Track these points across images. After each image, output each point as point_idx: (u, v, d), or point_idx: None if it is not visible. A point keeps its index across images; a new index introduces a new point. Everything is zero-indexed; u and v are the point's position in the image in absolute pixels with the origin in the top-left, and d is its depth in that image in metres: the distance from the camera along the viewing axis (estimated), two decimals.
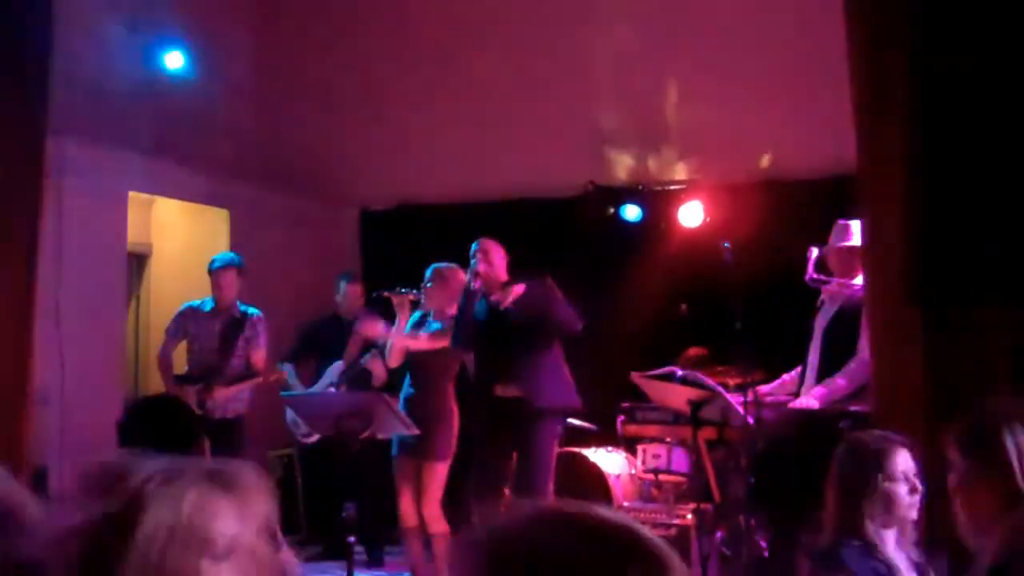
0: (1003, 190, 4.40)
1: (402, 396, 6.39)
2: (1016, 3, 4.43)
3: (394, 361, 6.53)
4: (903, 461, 3.30)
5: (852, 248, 5.54)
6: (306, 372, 7.78)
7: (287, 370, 7.58)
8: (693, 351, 7.53)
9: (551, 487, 6.12)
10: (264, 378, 7.06)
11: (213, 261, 7.16)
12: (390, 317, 6.63)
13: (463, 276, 6.34)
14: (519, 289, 6.07)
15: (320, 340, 7.75)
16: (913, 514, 3.33)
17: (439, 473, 6.26)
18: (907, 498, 3.29)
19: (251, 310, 7.14)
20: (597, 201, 8.46)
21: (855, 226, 5.62)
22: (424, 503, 6.27)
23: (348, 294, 7.81)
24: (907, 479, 3.29)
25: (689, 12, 7.26)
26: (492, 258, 6.26)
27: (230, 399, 6.95)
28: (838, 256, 5.60)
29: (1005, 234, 4.40)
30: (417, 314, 6.61)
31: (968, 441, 2.85)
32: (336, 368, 7.46)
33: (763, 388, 5.83)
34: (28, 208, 5.59)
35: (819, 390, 5.44)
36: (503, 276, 6.31)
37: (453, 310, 6.36)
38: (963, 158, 4.47)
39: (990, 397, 3.69)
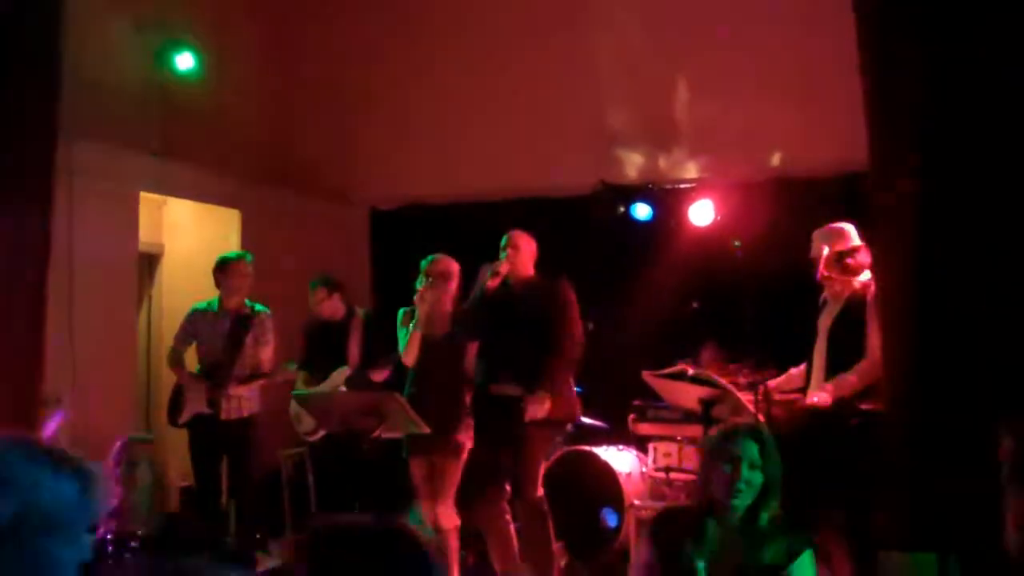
0: (1015, 187, 4.39)
1: (406, 393, 6.39)
2: None
3: (410, 359, 6.51)
4: None
5: (840, 251, 5.56)
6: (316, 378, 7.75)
7: (298, 373, 7.59)
8: (711, 346, 7.50)
9: (540, 487, 6.14)
10: (273, 377, 7.07)
11: (223, 260, 7.12)
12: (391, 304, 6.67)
13: (458, 271, 6.38)
14: (539, 410, 6.03)
15: (318, 347, 7.71)
16: None
17: (451, 470, 6.27)
18: None
19: (259, 307, 7.13)
20: (607, 200, 8.46)
21: (843, 227, 5.64)
22: (437, 500, 6.27)
23: (315, 299, 7.71)
24: None
25: (699, 11, 7.25)
26: (520, 255, 6.25)
27: (243, 398, 6.96)
28: (827, 261, 5.60)
29: (1015, 231, 4.39)
30: (402, 309, 6.58)
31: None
32: (342, 373, 7.43)
33: (771, 382, 5.84)
34: (39, 209, 5.61)
35: (829, 386, 5.44)
36: (530, 271, 6.33)
37: (449, 306, 6.37)
38: (974, 155, 4.47)
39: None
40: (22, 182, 5.55)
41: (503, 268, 6.21)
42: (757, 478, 3.55)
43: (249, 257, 7.19)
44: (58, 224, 5.96)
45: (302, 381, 7.63)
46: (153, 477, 4.66)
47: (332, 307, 7.61)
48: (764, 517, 3.59)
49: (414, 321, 6.40)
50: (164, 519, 4.64)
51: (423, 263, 6.49)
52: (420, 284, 6.43)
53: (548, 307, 6.18)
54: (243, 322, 7.02)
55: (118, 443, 4.71)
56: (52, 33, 5.61)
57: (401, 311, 6.55)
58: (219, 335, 7.00)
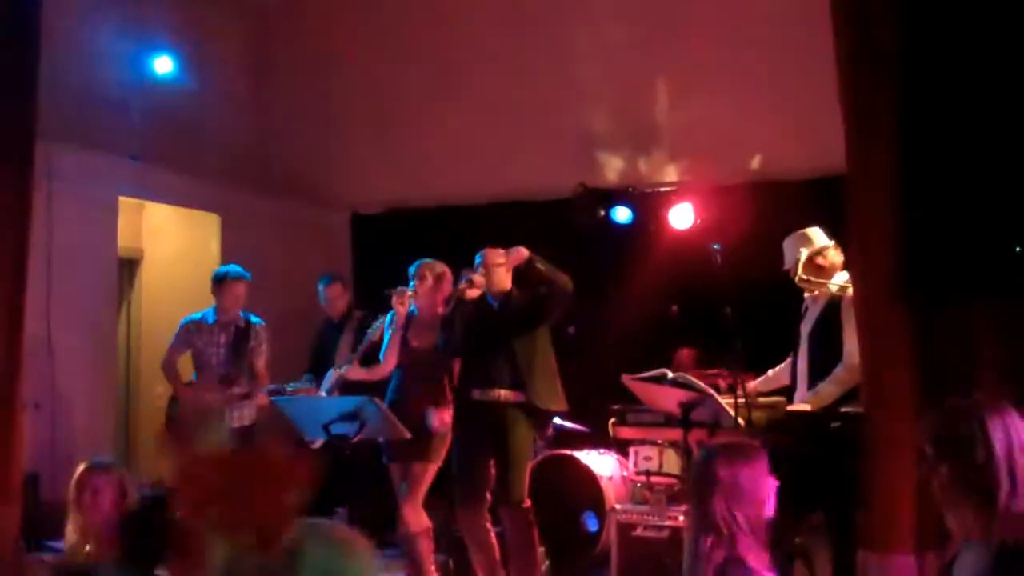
0: (987, 190, 4.42)
1: (388, 399, 6.38)
2: (1001, 6, 4.45)
3: (390, 364, 6.51)
4: None
5: (810, 255, 5.60)
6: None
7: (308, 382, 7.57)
8: (686, 352, 7.52)
9: (527, 492, 6.14)
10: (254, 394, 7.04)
11: (225, 273, 7.12)
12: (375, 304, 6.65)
13: (450, 274, 6.38)
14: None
15: (324, 348, 7.70)
16: None
17: (423, 474, 6.27)
18: None
19: (254, 318, 7.15)
20: (587, 203, 8.45)
21: (809, 232, 5.69)
22: (405, 502, 6.26)
23: (326, 296, 7.73)
24: None
25: (678, 14, 7.27)
26: (493, 275, 6.24)
27: (245, 406, 7.00)
28: (803, 268, 5.64)
29: (988, 232, 4.42)
30: (391, 314, 6.58)
31: (938, 434, 2.88)
32: (332, 376, 7.41)
33: (750, 384, 5.86)
34: (18, 214, 5.58)
35: (810, 396, 5.46)
36: (507, 284, 6.31)
37: (440, 309, 6.36)
38: (952, 156, 4.49)
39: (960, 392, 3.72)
40: (0, 186, 5.52)
41: (478, 280, 6.20)
42: None
43: (248, 276, 7.20)
44: (37, 229, 5.93)
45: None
46: (119, 501, 4.57)
47: (343, 304, 7.63)
48: None
49: (393, 327, 6.42)
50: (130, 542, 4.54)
51: (412, 268, 6.49)
52: (411, 287, 6.44)
53: (531, 301, 6.20)
54: (243, 335, 7.04)
55: (80, 468, 4.63)
56: (30, 37, 5.58)
57: (390, 315, 6.55)
58: (220, 347, 7.01)
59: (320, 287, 7.77)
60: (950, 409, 2.92)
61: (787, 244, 5.80)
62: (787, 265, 5.75)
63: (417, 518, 6.26)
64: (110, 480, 4.55)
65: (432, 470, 6.29)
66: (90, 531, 4.53)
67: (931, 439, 2.89)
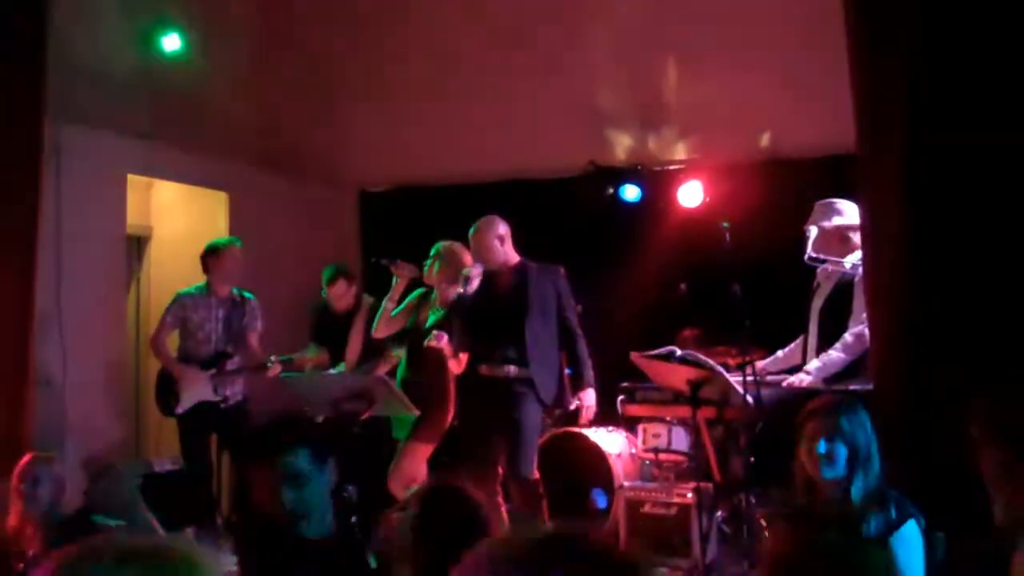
0: (999, 163, 4.41)
1: (399, 378, 6.40)
2: None
3: (381, 332, 6.55)
4: None
5: (840, 227, 5.58)
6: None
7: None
8: (688, 332, 7.51)
9: (536, 470, 6.17)
10: (268, 366, 7.01)
11: (215, 246, 7.10)
12: (385, 290, 6.66)
13: (468, 257, 6.36)
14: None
15: (320, 330, 7.66)
16: None
17: (416, 453, 6.29)
18: None
19: (246, 294, 7.13)
20: (596, 181, 8.46)
21: (843, 205, 5.65)
22: (392, 477, 6.27)
23: (330, 295, 7.62)
24: None
25: None
26: (486, 253, 6.25)
27: (237, 383, 7.01)
28: (826, 236, 5.62)
29: (1001, 211, 4.41)
30: (417, 291, 6.61)
31: (994, 423, 2.89)
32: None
33: (759, 364, 5.85)
34: (27, 192, 5.60)
35: (813, 364, 5.47)
36: (512, 257, 6.31)
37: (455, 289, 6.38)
38: (961, 134, 4.48)
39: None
40: (10, 165, 5.53)
41: (475, 273, 6.21)
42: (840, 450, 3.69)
43: (239, 243, 7.18)
44: (46, 207, 5.94)
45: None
46: (53, 498, 4.59)
47: (348, 299, 7.57)
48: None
49: (388, 296, 6.45)
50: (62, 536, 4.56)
51: (434, 248, 6.47)
52: (429, 265, 6.45)
53: (550, 291, 6.21)
54: (237, 309, 7.02)
55: (24, 459, 4.66)
56: (39, 15, 5.59)
57: (415, 293, 6.58)
58: (215, 322, 6.99)
59: (324, 283, 7.64)
60: (999, 393, 2.93)
61: (820, 207, 5.75)
62: (808, 224, 5.70)
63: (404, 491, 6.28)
64: (50, 473, 4.59)
65: (421, 449, 6.29)
66: (28, 520, 4.56)
67: (980, 422, 2.90)
